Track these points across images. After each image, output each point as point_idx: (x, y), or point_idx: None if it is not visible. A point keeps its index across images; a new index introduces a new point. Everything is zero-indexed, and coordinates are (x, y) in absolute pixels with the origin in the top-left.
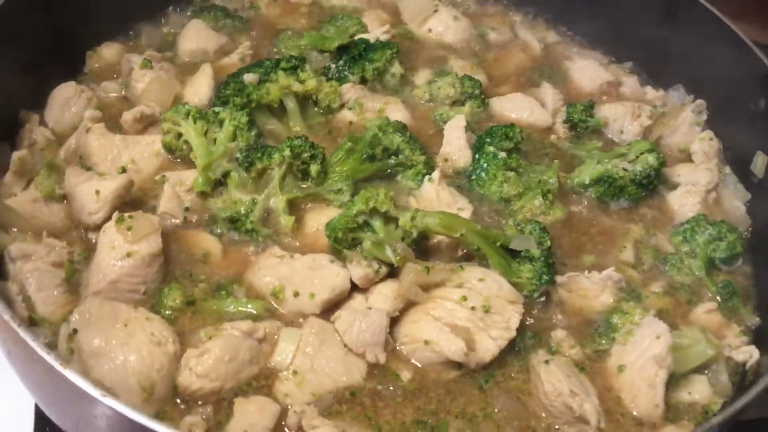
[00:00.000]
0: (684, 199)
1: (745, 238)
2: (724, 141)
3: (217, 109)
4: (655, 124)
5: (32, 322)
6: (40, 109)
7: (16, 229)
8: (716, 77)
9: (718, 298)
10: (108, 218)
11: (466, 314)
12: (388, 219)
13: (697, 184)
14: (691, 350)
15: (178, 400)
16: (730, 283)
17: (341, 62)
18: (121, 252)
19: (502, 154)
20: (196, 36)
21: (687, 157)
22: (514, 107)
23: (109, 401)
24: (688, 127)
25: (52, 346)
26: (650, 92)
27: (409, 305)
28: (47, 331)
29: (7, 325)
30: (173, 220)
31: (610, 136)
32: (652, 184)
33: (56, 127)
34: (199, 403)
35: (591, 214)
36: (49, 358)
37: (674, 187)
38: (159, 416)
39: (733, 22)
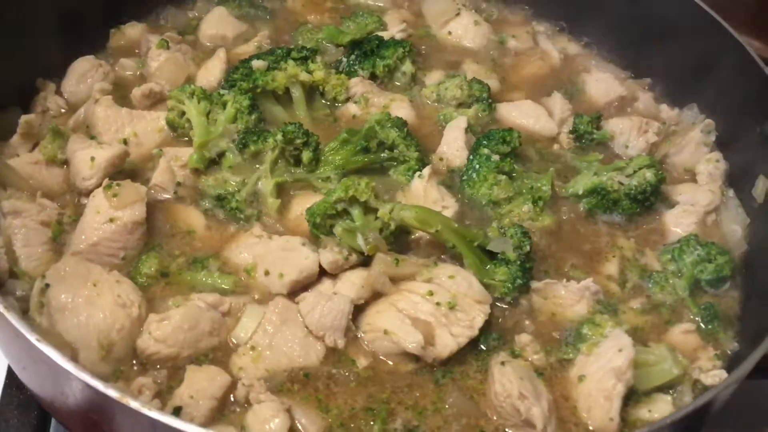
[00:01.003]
0: (680, 219)
1: (736, 263)
2: (731, 163)
3: (222, 91)
4: (663, 141)
5: (12, 275)
6: (58, 78)
7: (13, 188)
8: (729, 98)
9: (698, 319)
10: (100, 185)
11: (429, 309)
12: (368, 209)
13: (696, 204)
14: (656, 368)
15: (135, 362)
16: (712, 306)
17: (352, 57)
18: (104, 217)
19: (495, 157)
20: (217, 22)
21: (692, 177)
22: (521, 114)
23: (43, 347)
24: (695, 146)
25: (26, 300)
26: (665, 110)
27: (376, 295)
28: (26, 285)
29: None
30: (164, 194)
31: (615, 150)
32: (648, 201)
33: (70, 97)
34: (158, 367)
35: (581, 225)
36: None
37: (673, 205)
38: (115, 375)
39: (756, 40)
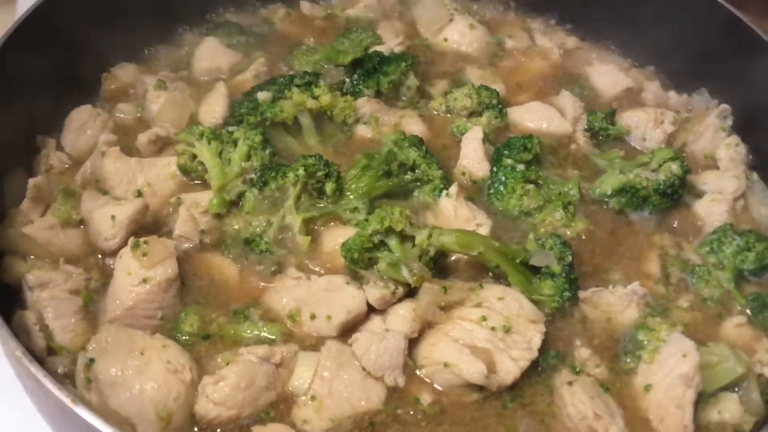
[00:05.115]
0: (711, 208)
1: None
2: (750, 146)
3: (231, 128)
4: (679, 130)
5: (51, 351)
6: (56, 133)
7: (33, 257)
8: (740, 80)
9: (747, 311)
10: (124, 243)
11: (485, 335)
12: (405, 238)
13: (724, 192)
14: (719, 368)
15: (196, 429)
16: (760, 296)
17: (356, 76)
18: (137, 278)
19: (521, 167)
20: (210, 54)
21: (712, 164)
22: (533, 117)
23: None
24: (713, 132)
25: (70, 376)
26: (673, 97)
27: (427, 326)
28: (66, 360)
29: (19, 361)
30: (189, 244)
31: (632, 143)
32: (676, 194)
33: (72, 151)
34: (218, 431)
35: (614, 226)
36: (61, 394)
37: (700, 195)
38: None
39: (756, 20)
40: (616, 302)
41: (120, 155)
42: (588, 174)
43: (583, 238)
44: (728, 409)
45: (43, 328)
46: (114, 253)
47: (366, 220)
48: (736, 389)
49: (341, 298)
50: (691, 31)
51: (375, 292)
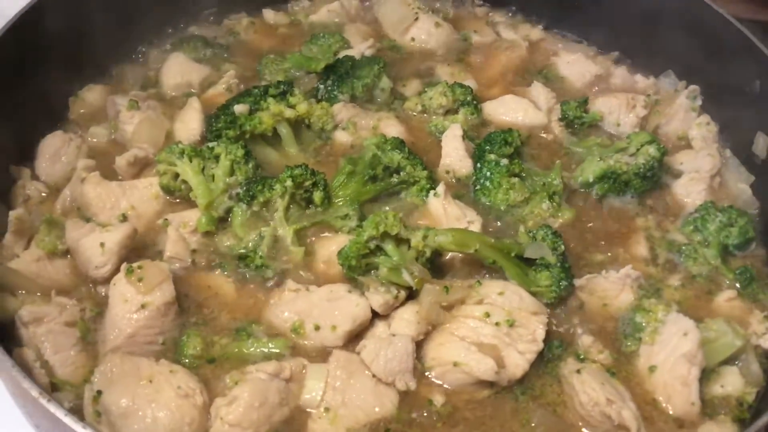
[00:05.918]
0: (689, 187)
1: (755, 221)
2: (721, 124)
3: (211, 144)
4: (651, 113)
5: (54, 387)
6: (29, 162)
7: (23, 292)
8: (705, 60)
9: (737, 285)
10: (116, 270)
11: (491, 331)
12: (400, 241)
13: (701, 170)
14: (718, 343)
15: None
16: (747, 269)
17: (329, 82)
18: (134, 304)
19: (504, 161)
20: (178, 69)
21: (686, 144)
22: (508, 110)
23: None
24: (683, 113)
25: (77, 411)
26: (641, 80)
27: (432, 327)
28: (70, 394)
29: (35, 401)
30: (181, 264)
31: (607, 129)
32: (655, 176)
33: (48, 179)
34: None
35: (599, 212)
36: None
37: (678, 175)
38: None
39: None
40: (610, 287)
41: (100, 180)
42: (567, 163)
43: (571, 226)
44: (730, 382)
45: (43, 365)
46: (106, 281)
47: (360, 226)
48: (736, 362)
49: (344, 306)
50: (652, 13)
51: (378, 297)
